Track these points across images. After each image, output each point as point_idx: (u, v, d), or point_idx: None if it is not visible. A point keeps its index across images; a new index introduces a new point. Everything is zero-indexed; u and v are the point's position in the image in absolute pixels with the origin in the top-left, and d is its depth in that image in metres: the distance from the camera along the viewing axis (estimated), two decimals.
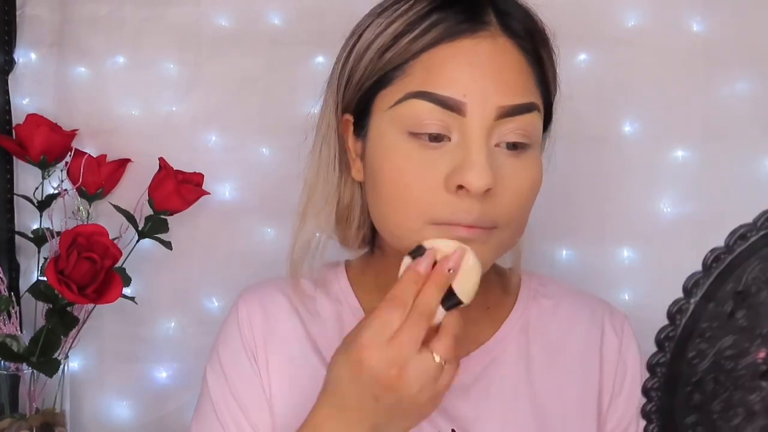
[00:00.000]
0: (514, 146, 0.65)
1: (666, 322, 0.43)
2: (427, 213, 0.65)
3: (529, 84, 0.65)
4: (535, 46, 0.67)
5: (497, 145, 0.64)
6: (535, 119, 0.65)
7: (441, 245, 0.62)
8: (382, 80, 0.66)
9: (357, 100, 0.69)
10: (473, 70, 0.63)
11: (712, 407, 0.43)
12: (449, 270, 0.61)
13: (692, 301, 0.43)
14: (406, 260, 0.63)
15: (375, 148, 0.68)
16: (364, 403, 0.60)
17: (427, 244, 0.63)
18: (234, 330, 0.78)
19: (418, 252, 0.62)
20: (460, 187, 0.63)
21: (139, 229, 1.16)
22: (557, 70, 0.71)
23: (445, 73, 0.63)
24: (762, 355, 0.42)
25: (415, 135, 0.64)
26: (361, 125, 0.70)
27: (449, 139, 0.64)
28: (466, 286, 0.61)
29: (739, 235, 0.42)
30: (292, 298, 0.78)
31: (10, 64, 1.23)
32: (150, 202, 1.16)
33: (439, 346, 0.59)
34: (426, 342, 0.59)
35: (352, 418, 0.61)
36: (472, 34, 0.64)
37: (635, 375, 0.77)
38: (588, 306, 0.80)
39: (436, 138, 0.64)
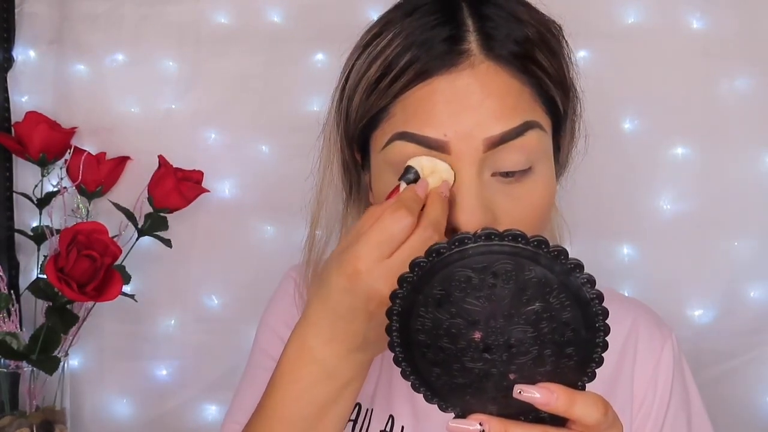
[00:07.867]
0: (512, 174, 0.61)
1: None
2: None
3: (522, 103, 0.61)
4: (526, 60, 0.61)
5: (494, 175, 0.61)
6: (534, 138, 0.61)
7: (426, 163, 0.60)
8: (371, 122, 0.64)
9: (357, 138, 0.67)
10: (451, 107, 0.59)
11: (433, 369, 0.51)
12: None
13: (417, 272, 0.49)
14: (402, 185, 0.60)
15: (375, 188, 0.66)
16: (356, 316, 0.55)
17: (413, 162, 0.60)
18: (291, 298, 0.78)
19: (409, 174, 0.60)
20: (454, 229, 0.59)
21: (139, 226, 1.16)
22: (569, 63, 0.66)
23: (423, 113, 0.60)
24: (478, 336, 0.49)
25: None
26: (366, 160, 0.68)
27: None
28: None
29: (458, 239, 0.48)
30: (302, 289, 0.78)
31: (9, 61, 1.23)
32: (149, 199, 1.16)
33: None
34: None
35: (339, 328, 0.56)
36: (449, 69, 0.60)
37: (664, 397, 0.73)
38: (631, 315, 0.77)
39: None
